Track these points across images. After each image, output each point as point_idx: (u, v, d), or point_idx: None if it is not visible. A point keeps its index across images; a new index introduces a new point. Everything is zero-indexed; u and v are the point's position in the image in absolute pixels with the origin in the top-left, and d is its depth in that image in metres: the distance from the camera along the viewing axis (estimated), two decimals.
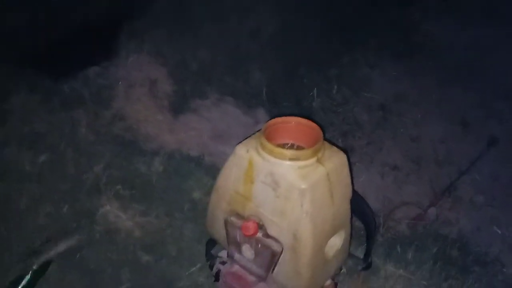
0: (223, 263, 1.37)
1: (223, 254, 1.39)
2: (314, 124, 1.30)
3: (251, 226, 1.24)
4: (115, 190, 1.85)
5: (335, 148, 1.32)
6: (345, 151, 1.32)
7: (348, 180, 1.32)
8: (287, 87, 2.73)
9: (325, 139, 1.30)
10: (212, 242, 1.49)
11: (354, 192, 1.43)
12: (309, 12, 2.95)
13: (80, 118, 2.22)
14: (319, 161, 1.24)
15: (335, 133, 2.59)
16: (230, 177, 1.31)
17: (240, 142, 1.30)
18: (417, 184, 2.30)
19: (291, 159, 1.21)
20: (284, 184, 1.21)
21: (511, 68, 2.88)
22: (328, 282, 1.41)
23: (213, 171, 1.94)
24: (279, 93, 2.69)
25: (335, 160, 1.28)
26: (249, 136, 1.32)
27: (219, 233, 1.38)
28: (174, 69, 2.58)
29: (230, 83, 2.62)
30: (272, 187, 1.23)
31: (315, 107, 2.73)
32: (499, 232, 2.06)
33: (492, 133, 2.50)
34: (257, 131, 1.31)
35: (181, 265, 1.64)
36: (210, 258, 1.45)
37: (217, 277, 1.37)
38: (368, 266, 1.61)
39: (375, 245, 1.81)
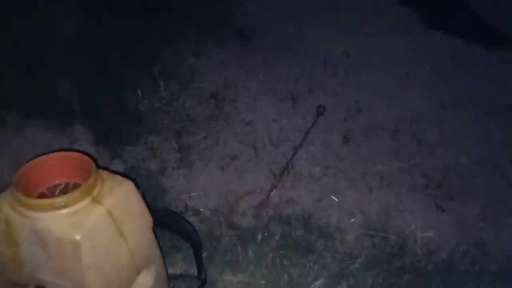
0: None
1: None
2: (82, 156, 1.09)
3: None
4: None
5: (118, 177, 1.13)
6: (132, 179, 1.14)
7: (141, 209, 1.15)
8: (106, 92, 2.45)
9: (106, 168, 1.10)
10: None
11: (165, 210, 1.28)
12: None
13: None
14: (95, 200, 1.04)
15: (168, 134, 2.41)
16: None
17: None
18: (257, 170, 2.25)
19: (55, 208, 0.99)
20: (53, 240, 0.99)
21: (326, 37, 3.01)
22: None
23: None
24: (98, 101, 2.40)
25: (118, 192, 1.09)
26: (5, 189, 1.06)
27: None
28: None
29: (31, 100, 2.25)
30: (40, 246, 1.00)
31: (142, 110, 2.51)
32: (336, 200, 2.11)
33: (318, 102, 2.57)
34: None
35: None
36: None
37: None
38: (203, 283, 1.49)
39: (214, 253, 1.71)
